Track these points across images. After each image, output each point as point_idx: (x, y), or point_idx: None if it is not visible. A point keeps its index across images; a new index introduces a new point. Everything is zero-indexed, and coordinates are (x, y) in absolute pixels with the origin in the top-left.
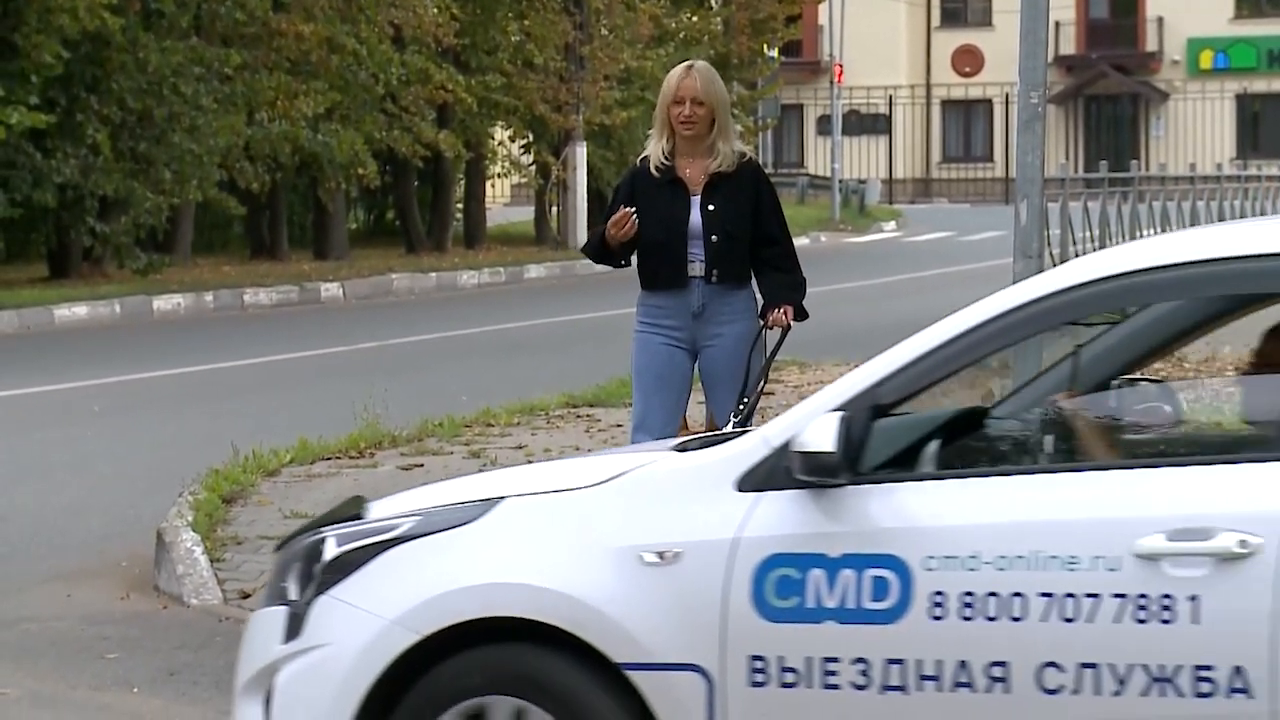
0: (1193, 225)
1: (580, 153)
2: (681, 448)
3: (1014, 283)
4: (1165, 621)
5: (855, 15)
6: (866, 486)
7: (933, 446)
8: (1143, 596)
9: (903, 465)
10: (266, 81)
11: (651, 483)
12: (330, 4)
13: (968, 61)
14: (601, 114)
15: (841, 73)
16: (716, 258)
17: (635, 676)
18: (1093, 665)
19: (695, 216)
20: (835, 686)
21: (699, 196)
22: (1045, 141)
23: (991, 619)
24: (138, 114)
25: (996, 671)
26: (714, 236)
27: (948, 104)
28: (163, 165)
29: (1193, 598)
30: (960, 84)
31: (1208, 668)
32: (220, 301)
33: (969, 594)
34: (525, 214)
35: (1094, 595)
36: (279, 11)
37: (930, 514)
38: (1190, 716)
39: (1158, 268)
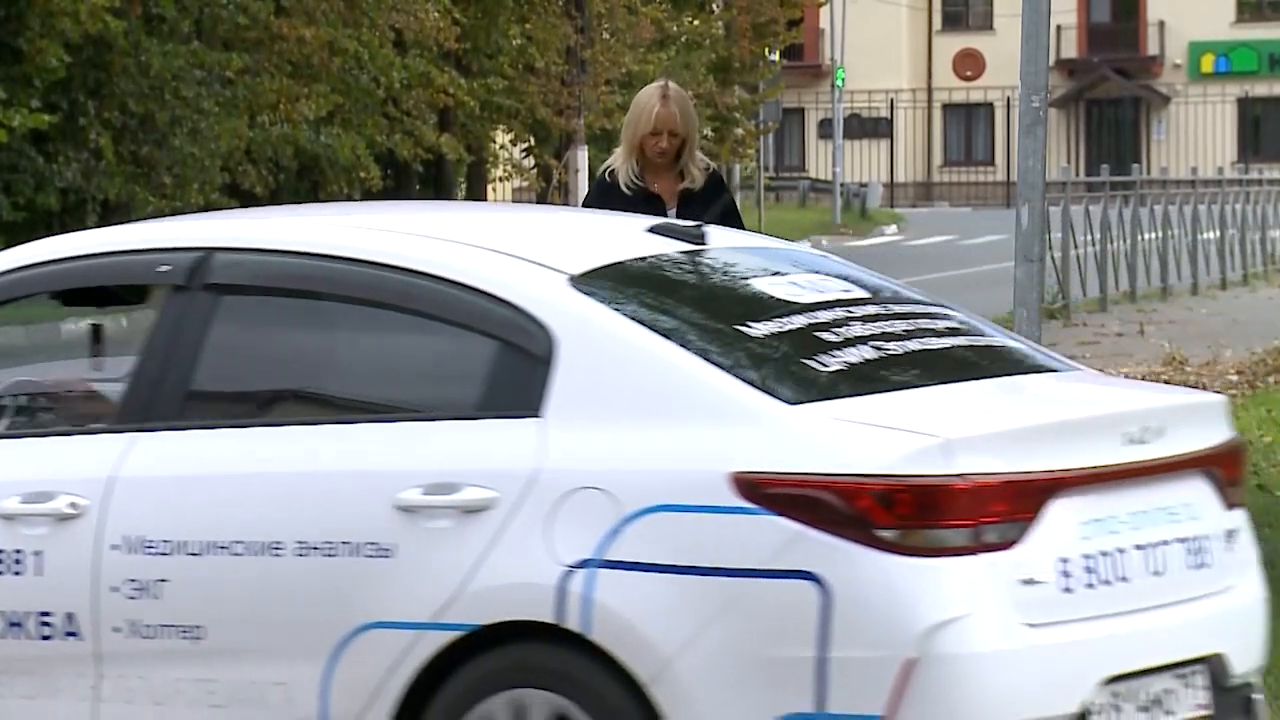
0: (1194, 228)
1: (582, 156)
2: None
3: (1015, 287)
4: (18, 573)
5: (856, 19)
6: None
7: None
8: (1, 551)
9: None
10: (268, 85)
11: None
12: (332, 7)
13: (969, 65)
14: (603, 117)
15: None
16: None
17: None
18: None
19: None
20: None
21: (673, 211)
22: (1047, 145)
23: None
24: (140, 117)
25: None
26: None
27: (949, 107)
28: (165, 168)
29: (38, 553)
30: (961, 88)
31: (48, 614)
32: None
33: None
34: None
35: None
36: (280, 15)
37: None
38: (38, 656)
39: (21, 267)
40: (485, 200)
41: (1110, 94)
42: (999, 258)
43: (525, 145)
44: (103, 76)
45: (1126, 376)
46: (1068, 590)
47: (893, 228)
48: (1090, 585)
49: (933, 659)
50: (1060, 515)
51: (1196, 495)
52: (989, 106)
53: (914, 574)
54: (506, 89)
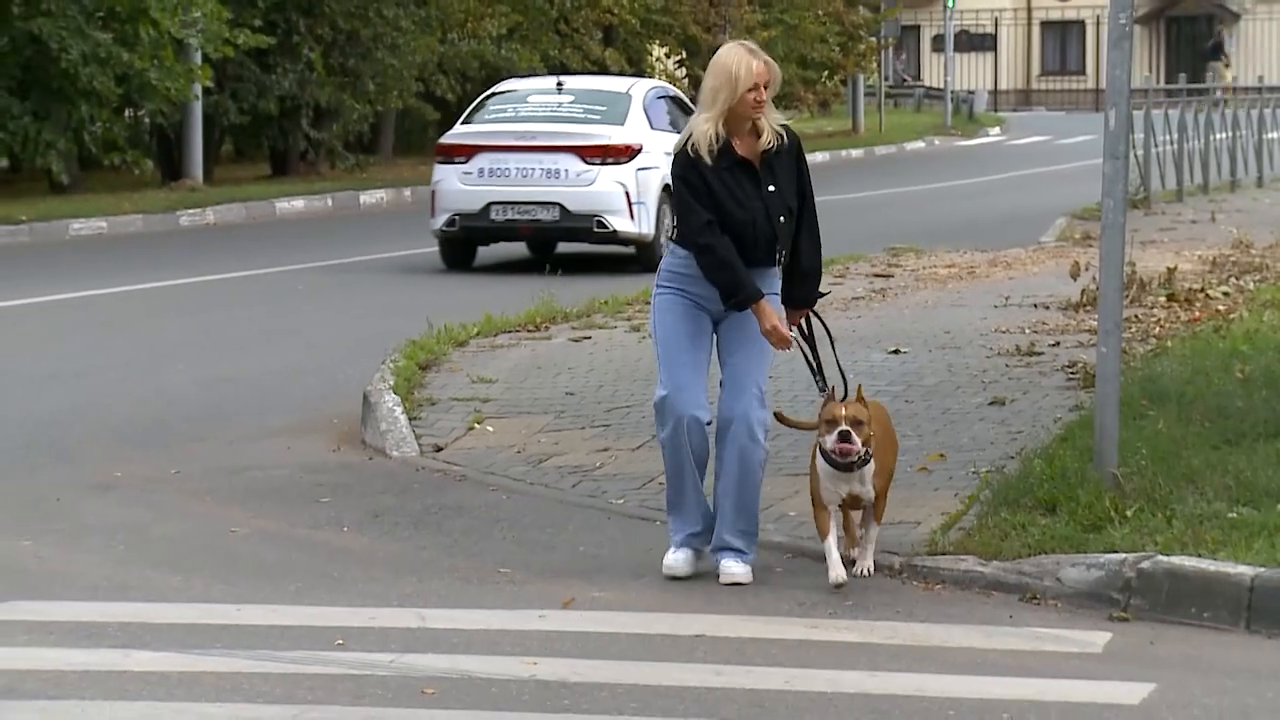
0: (1260, 129)
1: None
2: None
3: (1103, 181)
4: None
5: None
6: None
7: None
8: None
9: None
10: (457, 5)
11: None
12: None
13: None
14: (745, 33)
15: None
16: (783, 237)
17: None
18: None
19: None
20: None
21: (762, 177)
22: (1131, 57)
23: None
24: (347, 34)
25: None
26: (781, 218)
27: (1046, 24)
28: (368, 78)
29: None
30: (1058, 7)
31: None
32: (417, 196)
33: None
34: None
35: None
36: None
37: None
38: None
39: None
40: None
41: (1187, 11)
42: (1089, 155)
43: (678, 58)
44: None
45: (1200, 258)
46: None
47: (996, 129)
48: None
49: None
50: None
51: None
52: (1081, 24)
53: None
54: (662, 9)
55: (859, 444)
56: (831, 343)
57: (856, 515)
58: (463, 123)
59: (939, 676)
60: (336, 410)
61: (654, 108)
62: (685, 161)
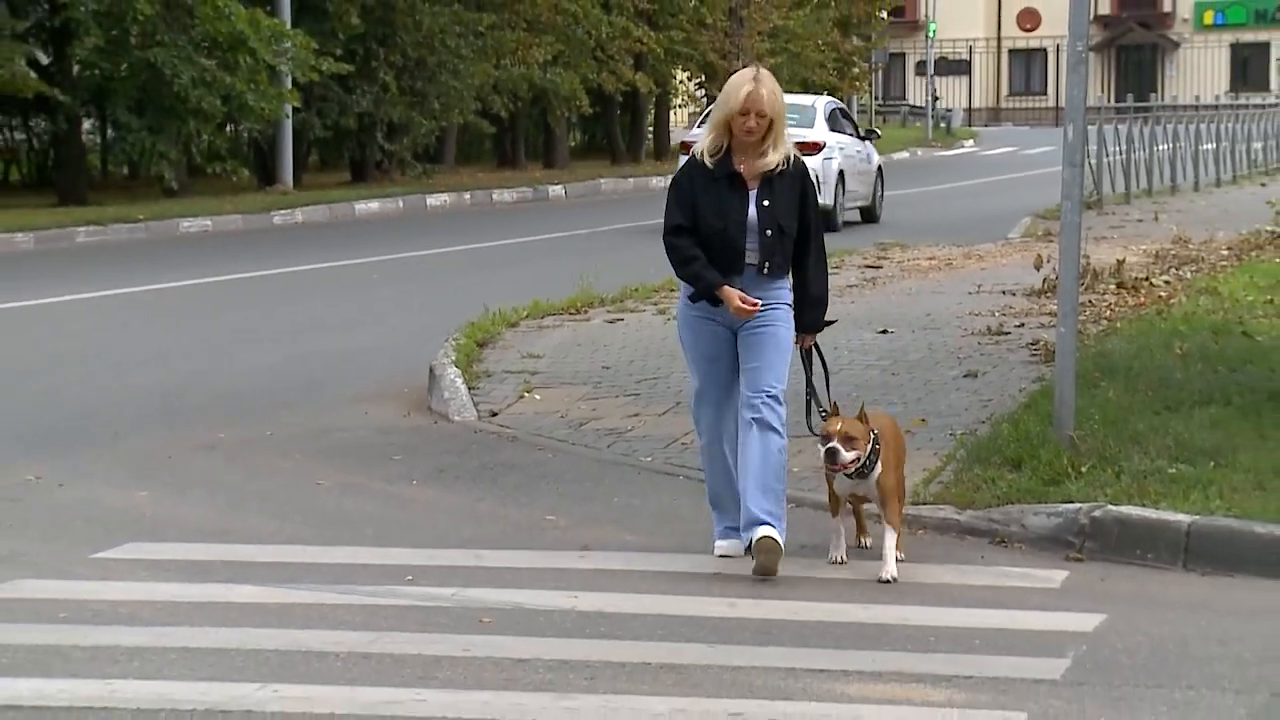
0: (1196, 142)
1: None
2: None
3: (1062, 185)
4: None
5: None
6: None
7: None
8: None
9: None
10: (509, 37)
11: None
12: None
13: (1029, 19)
14: (755, 60)
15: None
16: (770, 251)
17: None
18: None
19: (752, 211)
20: None
21: (755, 192)
22: (1087, 79)
23: None
24: (416, 60)
25: None
26: (769, 231)
27: (1013, 51)
28: (434, 98)
29: None
30: (1024, 37)
31: None
32: (475, 199)
33: None
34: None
35: None
36: None
37: None
38: None
39: None
40: (668, 122)
41: (1134, 41)
42: (1050, 164)
43: (698, 81)
44: (388, 31)
45: (1145, 251)
46: None
47: (970, 142)
48: None
49: None
50: None
51: None
52: (1044, 51)
53: None
54: (684, 39)
55: (848, 457)
56: (826, 375)
57: (868, 507)
58: (698, 126)
59: (921, 608)
60: (407, 382)
61: (830, 116)
62: (686, 167)
